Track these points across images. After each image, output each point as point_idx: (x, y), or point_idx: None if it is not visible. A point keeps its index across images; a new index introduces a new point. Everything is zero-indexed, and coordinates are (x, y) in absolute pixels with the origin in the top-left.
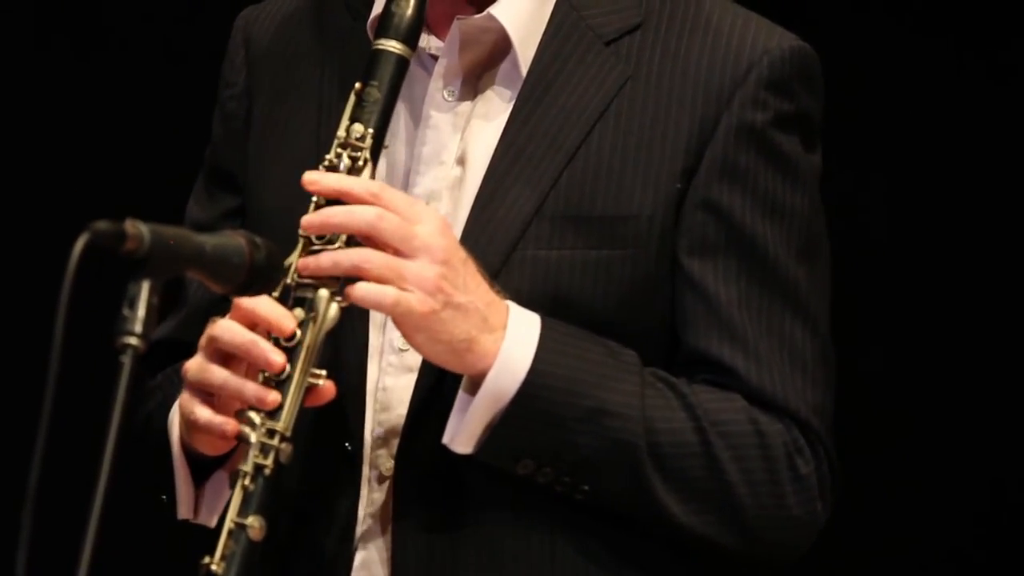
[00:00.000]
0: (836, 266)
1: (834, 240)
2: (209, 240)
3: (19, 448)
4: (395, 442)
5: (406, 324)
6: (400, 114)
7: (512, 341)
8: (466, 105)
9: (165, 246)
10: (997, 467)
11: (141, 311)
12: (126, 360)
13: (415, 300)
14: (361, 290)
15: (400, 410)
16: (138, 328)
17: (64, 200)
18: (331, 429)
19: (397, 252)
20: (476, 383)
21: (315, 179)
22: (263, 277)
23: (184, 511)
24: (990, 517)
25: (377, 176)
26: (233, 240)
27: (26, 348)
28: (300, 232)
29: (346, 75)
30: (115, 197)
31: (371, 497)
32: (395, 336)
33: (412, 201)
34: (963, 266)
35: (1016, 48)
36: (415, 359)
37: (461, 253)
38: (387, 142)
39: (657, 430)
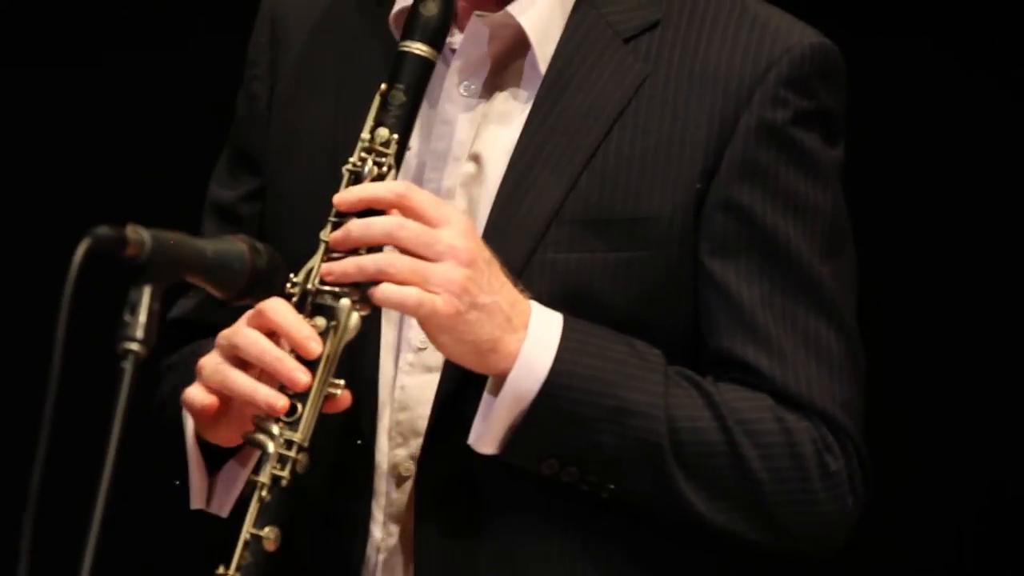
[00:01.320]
0: None
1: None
2: (210, 245)
3: (21, 452)
4: (415, 442)
5: (431, 325)
6: None
7: (533, 341)
8: (482, 102)
9: (166, 251)
10: (995, 467)
11: (142, 317)
12: (127, 366)
13: (440, 301)
14: (384, 291)
15: (420, 410)
16: (139, 334)
17: (66, 205)
18: (342, 426)
19: (422, 257)
20: (499, 384)
21: (342, 199)
22: (264, 282)
23: (197, 501)
24: (987, 517)
25: None
26: (234, 245)
27: (28, 353)
28: (322, 238)
29: (366, 67)
30: (117, 201)
31: (390, 497)
32: (413, 334)
33: (438, 203)
34: (961, 267)
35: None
36: (434, 358)
37: (486, 253)
38: None
39: (680, 429)
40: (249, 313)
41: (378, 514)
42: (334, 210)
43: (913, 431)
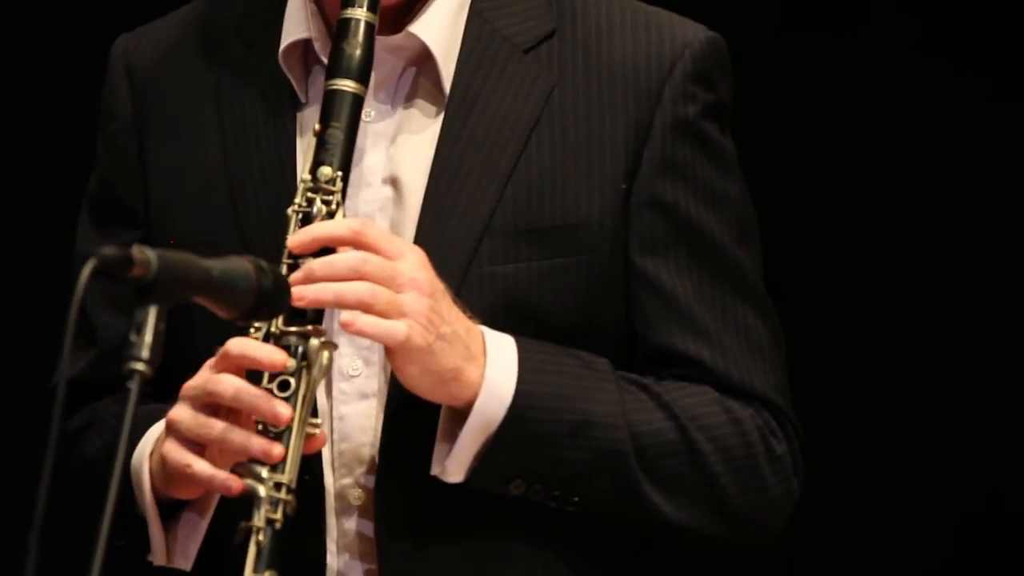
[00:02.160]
0: (837, 268)
1: (838, 243)
2: (216, 265)
3: (26, 468)
4: (359, 471)
5: (401, 357)
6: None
7: (493, 367)
8: (387, 124)
9: (172, 272)
10: (991, 468)
11: (148, 337)
12: (133, 386)
13: (416, 335)
14: (370, 325)
15: (362, 438)
16: (145, 354)
17: (73, 223)
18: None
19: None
20: (458, 413)
21: (297, 241)
22: (270, 302)
23: (159, 558)
24: (983, 518)
25: None
26: (240, 265)
27: (34, 373)
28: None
29: (247, 103)
30: None
31: (341, 528)
32: (345, 363)
33: (391, 236)
34: (959, 267)
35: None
36: (368, 385)
37: (440, 284)
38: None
39: (640, 433)
40: (211, 361)
41: (331, 545)
42: (286, 251)
43: (906, 433)
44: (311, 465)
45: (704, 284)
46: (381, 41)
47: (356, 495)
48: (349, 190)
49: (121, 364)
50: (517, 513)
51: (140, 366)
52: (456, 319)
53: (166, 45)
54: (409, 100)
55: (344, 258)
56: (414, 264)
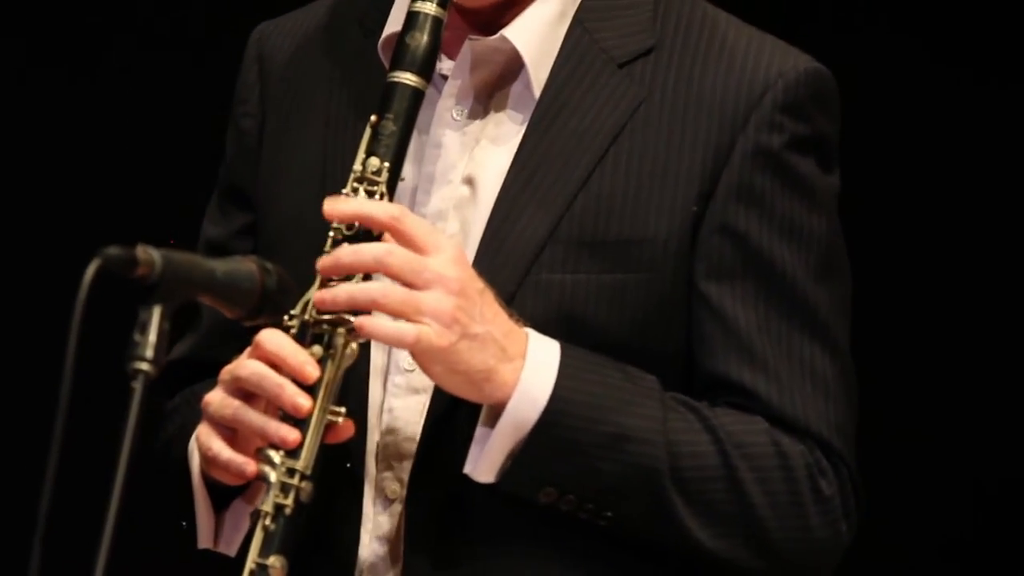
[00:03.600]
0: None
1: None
2: (220, 265)
3: (31, 472)
4: (402, 465)
5: (423, 356)
6: None
7: (531, 370)
8: (475, 125)
9: (176, 272)
10: (988, 468)
11: (152, 336)
12: (137, 386)
13: (434, 334)
14: (380, 328)
15: (407, 432)
16: (149, 353)
17: (78, 222)
18: (330, 449)
19: (410, 285)
20: (495, 413)
21: (333, 205)
22: (274, 302)
23: (204, 540)
24: (979, 518)
25: None
26: (244, 265)
27: (38, 373)
28: (317, 267)
29: (355, 94)
30: (128, 220)
31: (376, 520)
32: (401, 356)
33: (431, 230)
34: (954, 268)
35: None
36: (422, 380)
37: (478, 283)
38: None
39: (679, 454)
40: (249, 348)
41: (365, 537)
42: (331, 233)
43: (900, 438)
44: (354, 455)
45: (771, 318)
46: (476, 42)
47: (394, 489)
48: (428, 186)
49: (126, 364)
50: (550, 525)
51: (145, 366)
52: (492, 319)
53: (298, 33)
54: (499, 104)
55: (371, 247)
56: (445, 260)
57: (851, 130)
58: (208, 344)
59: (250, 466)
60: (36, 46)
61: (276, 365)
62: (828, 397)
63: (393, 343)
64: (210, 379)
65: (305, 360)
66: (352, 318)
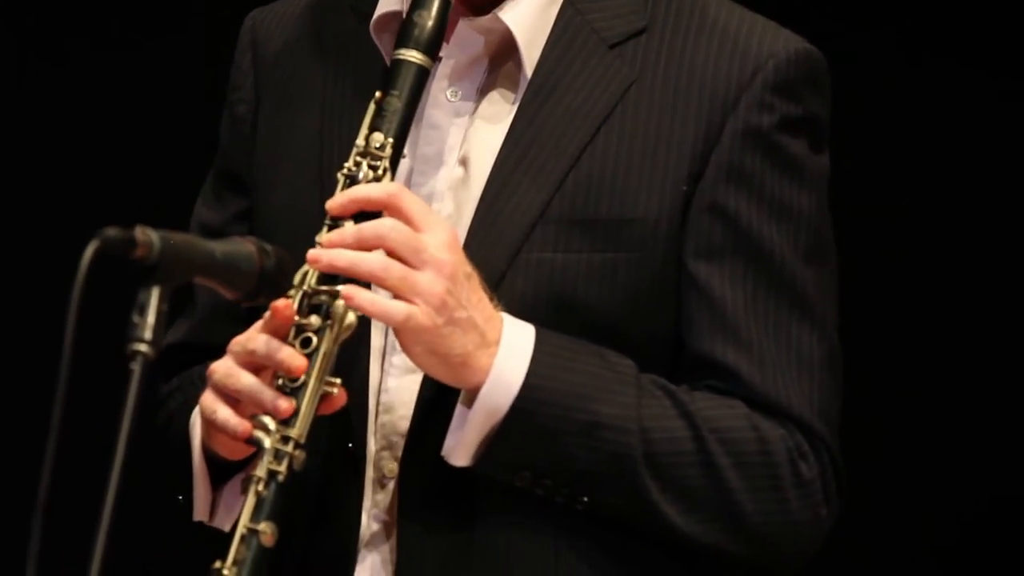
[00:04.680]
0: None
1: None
2: (219, 247)
3: (29, 454)
4: (398, 443)
5: (406, 335)
6: None
7: (505, 355)
8: (469, 106)
9: (175, 253)
10: (988, 469)
11: (151, 318)
12: (136, 367)
13: (422, 315)
14: (369, 303)
15: (403, 411)
16: (148, 335)
17: (74, 205)
18: (333, 429)
19: (404, 262)
20: (472, 397)
21: (334, 203)
22: (272, 284)
23: (200, 513)
24: (975, 519)
25: None
26: (243, 247)
27: (37, 355)
28: (317, 240)
29: (349, 77)
30: (126, 202)
31: (375, 499)
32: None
33: (427, 209)
34: (950, 269)
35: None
36: None
37: (466, 267)
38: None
39: (653, 440)
40: (259, 321)
41: (364, 515)
42: (328, 215)
43: (893, 437)
44: (355, 436)
45: (758, 297)
46: (469, 22)
47: (391, 468)
48: (429, 169)
49: (124, 346)
50: (540, 505)
51: (143, 347)
52: (476, 305)
53: (290, 19)
54: (492, 83)
55: (373, 223)
56: (440, 242)
57: (843, 126)
58: (204, 328)
59: (243, 426)
60: (29, 35)
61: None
62: (812, 379)
63: (379, 318)
64: (209, 362)
65: (291, 353)
66: (341, 287)
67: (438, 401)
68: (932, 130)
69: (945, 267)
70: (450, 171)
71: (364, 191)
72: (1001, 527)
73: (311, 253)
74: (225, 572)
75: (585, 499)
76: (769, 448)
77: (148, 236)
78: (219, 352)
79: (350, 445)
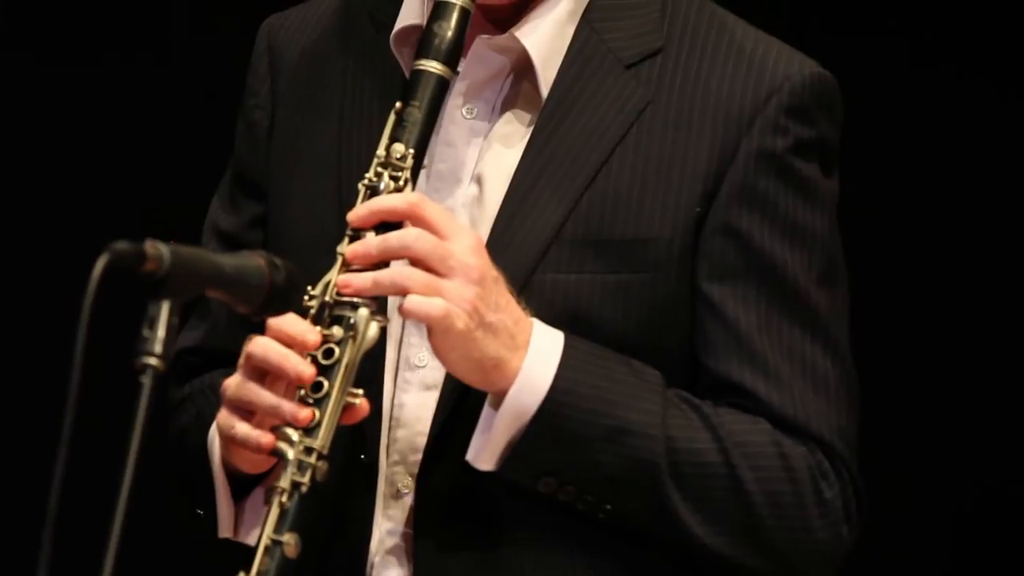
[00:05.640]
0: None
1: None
2: (228, 261)
3: (39, 467)
4: (412, 459)
5: (441, 340)
6: None
7: (534, 359)
8: (484, 124)
9: (185, 266)
10: (983, 468)
11: (161, 332)
12: (146, 381)
13: (458, 320)
14: (411, 302)
15: (417, 427)
16: (158, 349)
17: (86, 217)
18: (345, 441)
19: (432, 271)
20: (499, 401)
21: (355, 215)
22: (282, 298)
23: (224, 530)
24: (972, 519)
25: None
26: (252, 261)
27: (47, 368)
28: (339, 251)
29: (368, 87)
30: (136, 215)
31: (387, 513)
32: (411, 353)
33: (449, 216)
34: (949, 269)
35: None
36: (432, 376)
37: (493, 271)
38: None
39: (678, 450)
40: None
41: (376, 530)
42: (349, 227)
43: (891, 438)
44: (368, 448)
45: (772, 318)
46: (487, 41)
47: (405, 483)
48: (443, 186)
49: (134, 359)
50: (555, 521)
51: (153, 361)
52: (505, 308)
53: (308, 26)
54: (509, 102)
55: (398, 233)
56: (466, 248)
57: (852, 137)
58: (218, 333)
59: (266, 438)
60: (43, 42)
61: (285, 342)
62: (829, 399)
63: (420, 318)
64: (222, 369)
65: (306, 328)
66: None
67: (456, 418)
68: (943, 138)
69: (954, 273)
70: (464, 189)
71: (385, 202)
72: (1000, 527)
73: (341, 279)
74: None
75: (608, 507)
76: (792, 464)
77: (158, 250)
78: (232, 358)
79: (363, 457)
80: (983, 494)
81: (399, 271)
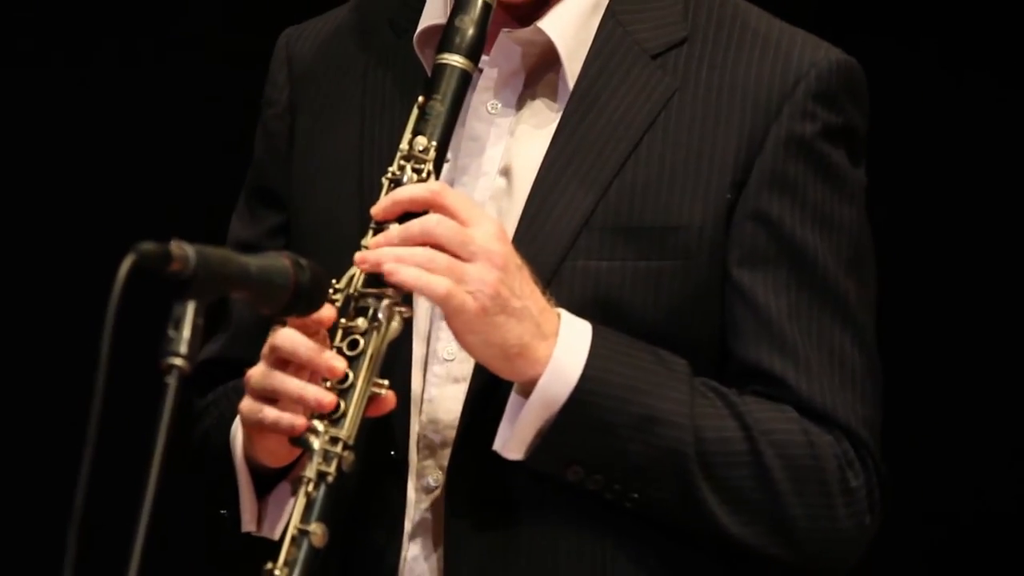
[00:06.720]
0: None
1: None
2: (254, 261)
3: (65, 468)
4: (443, 452)
5: (458, 323)
6: None
7: (564, 348)
8: (510, 117)
9: (210, 267)
10: (979, 469)
11: (186, 332)
12: (171, 381)
13: (469, 299)
14: (412, 276)
15: (447, 420)
16: (183, 349)
17: (110, 220)
18: (375, 437)
19: (455, 256)
20: (527, 389)
21: (379, 208)
22: (307, 298)
23: (248, 524)
24: (970, 520)
25: None
26: (278, 261)
27: (73, 369)
28: (363, 244)
29: (388, 88)
30: (162, 216)
31: (419, 507)
32: (441, 347)
33: (471, 204)
34: (949, 269)
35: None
36: (461, 370)
37: (516, 259)
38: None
39: (707, 439)
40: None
41: (407, 524)
42: (373, 220)
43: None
44: (398, 443)
45: (802, 305)
46: (509, 33)
47: (435, 477)
48: (468, 179)
49: (159, 360)
50: (588, 505)
51: (179, 361)
52: (530, 295)
53: (326, 35)
54: (534, 94)
55: (419, 220)
56: (489, 234)
57: (879, 140)
58: (239, 344)
59: (299, 420)
60: (59, 45)
61: (313, 332)
62: (855, 388)
63: (420, 291)
64: (241, 379)
65: (326, 313)
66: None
67: (485, 410)
68: (944, 139)
69: (953, 273)
70: (490, 181)
71: (407, 192)
72: (998, 529)
73: (358, 255)
74: (276, 573)
75: (635, 495)
76: (818, 452)
77: (184, 250)
78: (249, 367)
79: (392, 453)
80: (983, 494)
81: (422, 252)
